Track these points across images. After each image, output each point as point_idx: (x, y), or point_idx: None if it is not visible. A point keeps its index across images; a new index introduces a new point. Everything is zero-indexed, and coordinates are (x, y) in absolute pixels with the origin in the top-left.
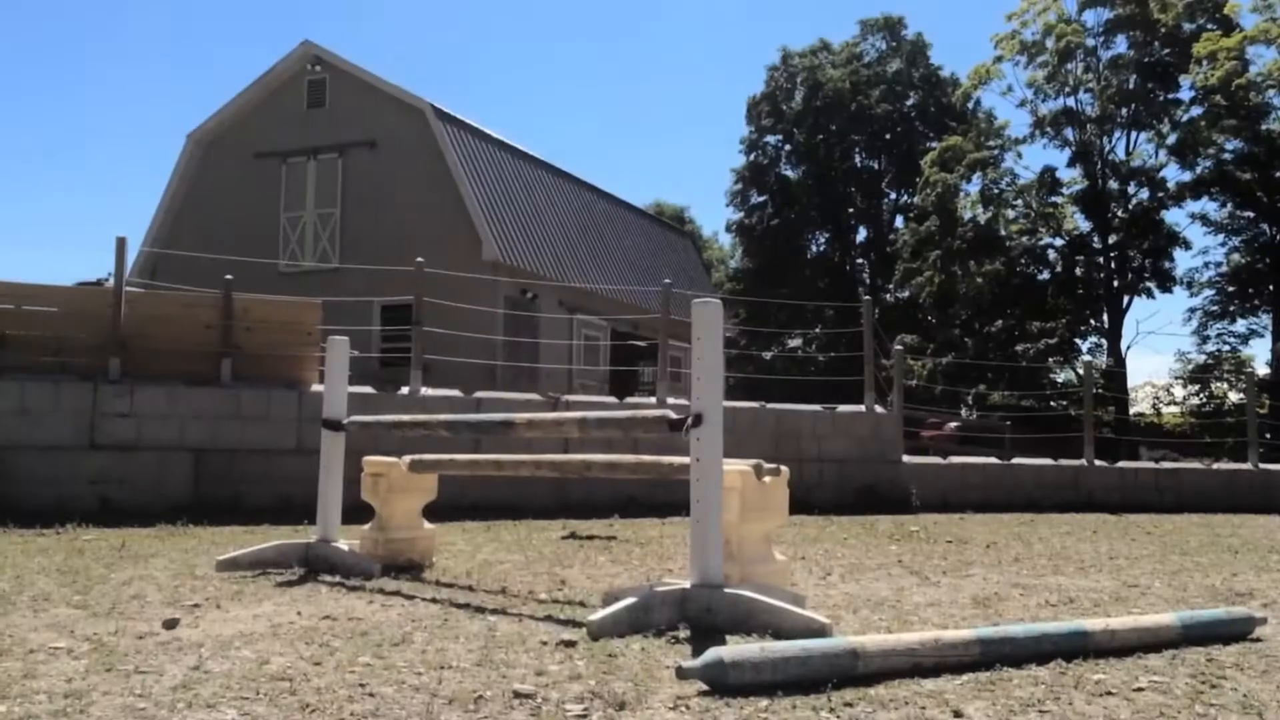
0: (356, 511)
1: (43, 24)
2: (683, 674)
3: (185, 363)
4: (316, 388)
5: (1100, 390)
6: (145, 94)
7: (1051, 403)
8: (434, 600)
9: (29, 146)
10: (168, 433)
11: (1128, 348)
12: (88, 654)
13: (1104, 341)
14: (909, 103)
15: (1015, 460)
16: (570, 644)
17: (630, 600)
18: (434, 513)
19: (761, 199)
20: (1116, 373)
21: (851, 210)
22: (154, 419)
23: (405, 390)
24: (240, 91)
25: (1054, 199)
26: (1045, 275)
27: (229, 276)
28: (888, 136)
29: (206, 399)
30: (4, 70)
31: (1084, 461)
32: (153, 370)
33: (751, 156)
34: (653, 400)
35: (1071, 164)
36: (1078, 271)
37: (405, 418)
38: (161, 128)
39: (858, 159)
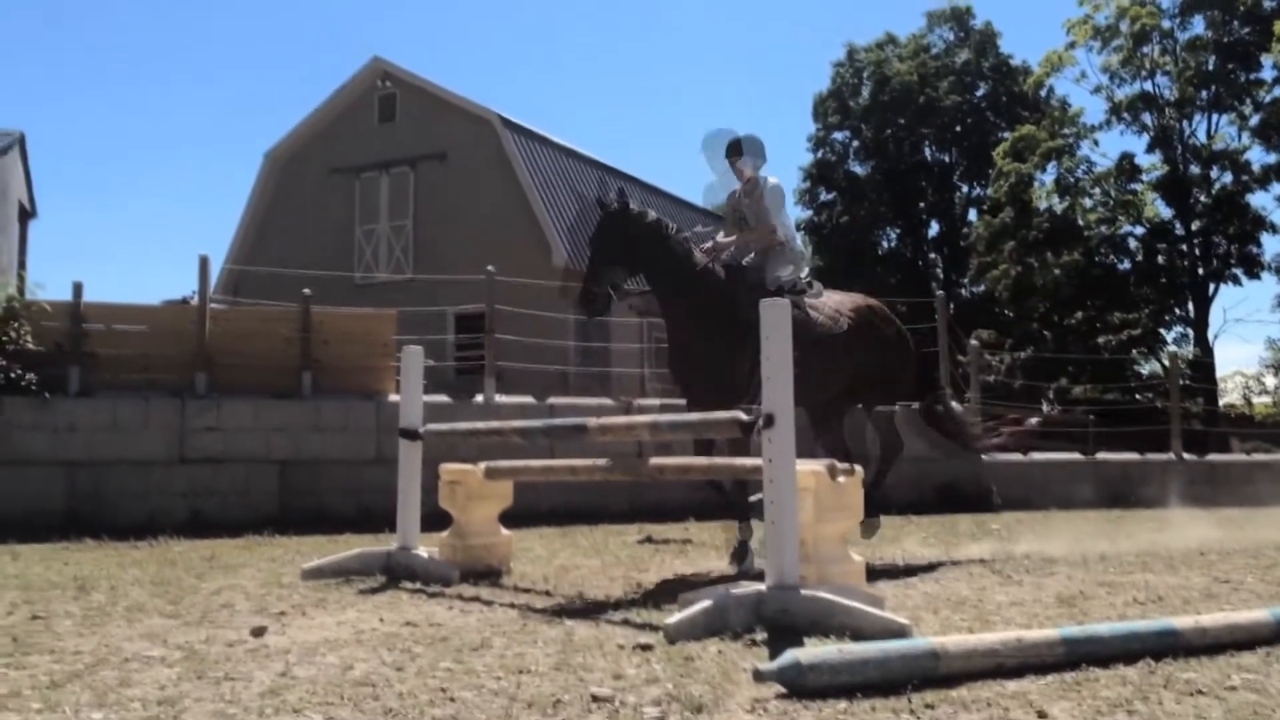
0: (435, 519)
1: (123, 47)
2: (760, 676)
3: (267, 376)
4: (394, 398)
5: (1187, 381)
6: (219, 113)
7: (1136, 395)
8: (512, 605)
9: (114, 168)
10: (253, 445)
11: (1215, 337)
12: (180, 662)
13: (1190, 331)
14: (979, 93)
15: (1100, 455)
16: (647, 647)
17: (706, 603)
18: (511, 519)
19: (830, 196)
20: (1204, 363)
21: (923, 205)
22: (240, 432)
23: (480, 398)
24: (314, 110)
25: (1133, 186)
26: (1126, 265)
27: (307, 291)
28: (958, 128)
29: (289, 411)
30: (85, 94)
31: (1172, 455)
32: (237, 384)
33: (819, 154)
34: None
35: (1150, 150)
36: (1160, 260)
37: (480, 425)
38: (236, 145)
39: (928, 152)
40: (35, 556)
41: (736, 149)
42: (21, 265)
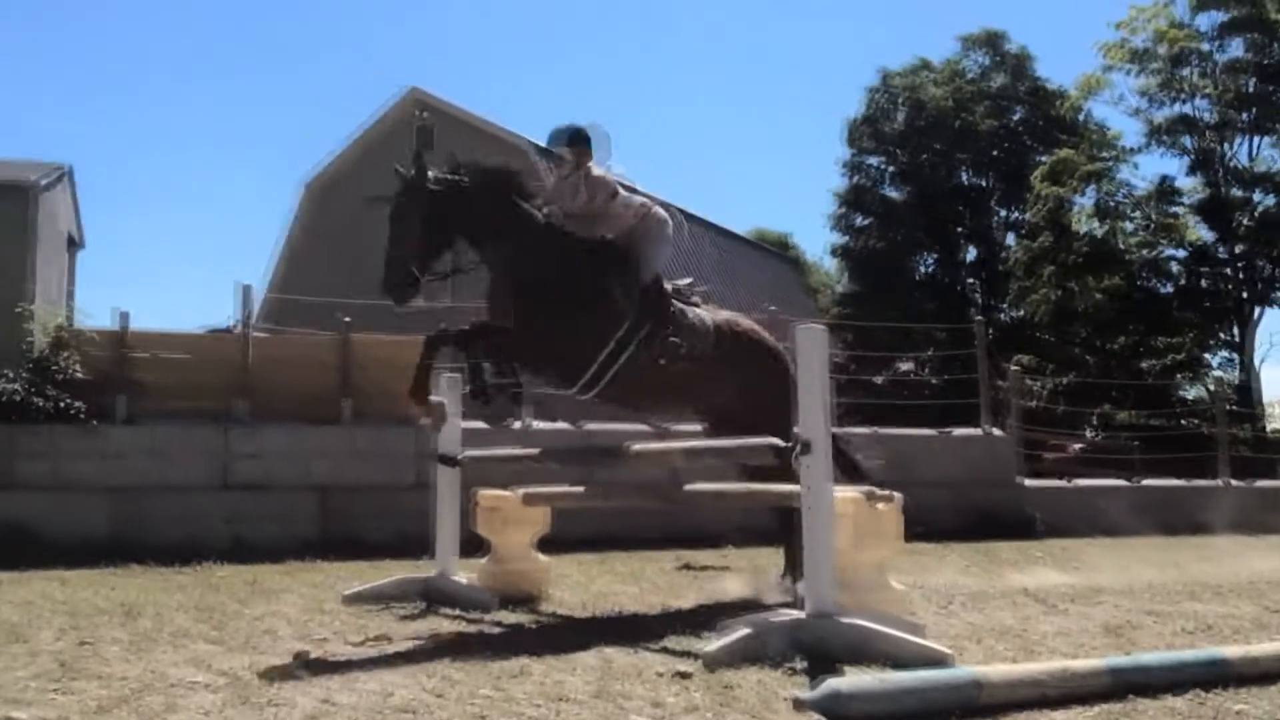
0: (474, 544)
1: (161, 78)
2: (800, 705)
3: (308, 403)
4: None
5: (1233, 407)
6: (261, 142)
7: (1182, 421)
8: (550, 632)
9: (156, 197)
10: (294, 471)
11: (1261, 361)
12: (224, 688)
13: (1235, 356)
14: (1015, 117)
15: (1145, 482)
16: (686, 675)
17: (745, 630)
18: (547, 545)
19: (865, 222)
20: (1250, 388)
21: (959, 229)
22: (280, 458)
23: (516, 424)
24: (351, 139)
25: (1173, 209)
26: (1168, 288)
27: (347, 319)
28: (994, 153)
29: (328, 438)
30: (128, 124)
31: (1219, 481)
32: (278, 411)
33: (853, 179)
34: None
35: (1190, 172)
36: (1203, 283)
37: (517, 451)
38: (277, 173)
39: (964, 177)
40: (82, 582)
41: (576, 138)
42: (69, 295)
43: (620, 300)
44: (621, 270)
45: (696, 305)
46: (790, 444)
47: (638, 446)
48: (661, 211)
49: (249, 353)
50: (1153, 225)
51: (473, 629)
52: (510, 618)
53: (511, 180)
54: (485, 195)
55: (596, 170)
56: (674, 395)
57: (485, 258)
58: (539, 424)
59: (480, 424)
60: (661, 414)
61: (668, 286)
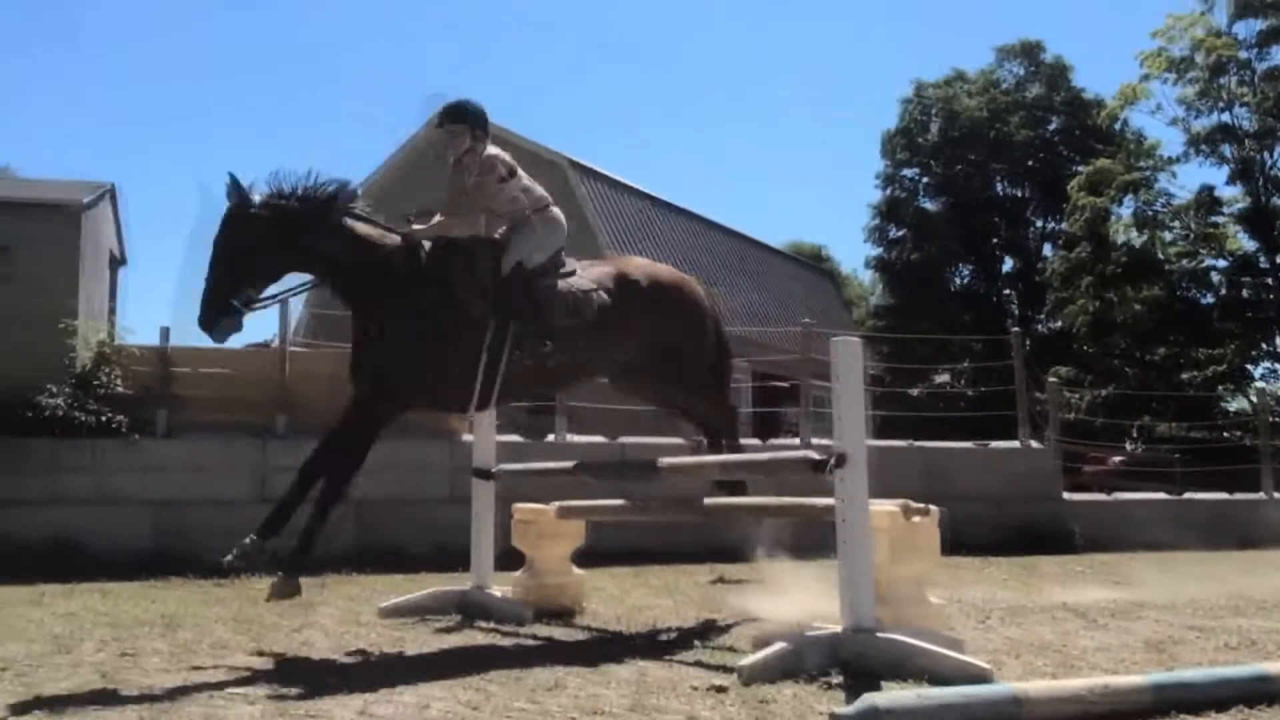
0: (509, 558)
1: (201, 100)
2: None
3: None
4: (467, 437)
5: (1277, 418)
6: (290, 159)
7: (1224, 433)
8: (585, 645)
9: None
10: None
11: None
12: (262, 699)
13: (1278, 367)
14: (1051, 127)
15: (1187, 495)
16: (722, 689)
17: (781, 645)
18: (583, 558)
19: (900, 233)
20: None
21: (996, 240)
22: None
23: (551, 437)
24: (386, 159)
25: (1214, 219)
26: (1209, 299)
27: None
28: (1030, 163)
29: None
30: (170, 144)
31: (1263, 494)
32: (316, 425)
33: (888, 191)
34: (796, 441)
35: (1231, 182)
36: (1245, 294)
37: (552, 465)
38: None
39: (999, 188)
40: (124, 594)
41: (454, 115)
42: (112, 311)
43: (474, 308)
44: (473, 272)
45: (570, 274)
46: (825, 456)
47: (673, 460)
48: (558, 212)
49: (287, 368)
50: (1193, 235)
51: (508, 642)
52: (545, 631)
53: (344, 201)
54: (313, 219)
55: (491, 149)
56: (575, 372)
57: (328, 286)
58: (574, 437)
59: (516, 438)
60: (572, 387)
61: (529, 267)
